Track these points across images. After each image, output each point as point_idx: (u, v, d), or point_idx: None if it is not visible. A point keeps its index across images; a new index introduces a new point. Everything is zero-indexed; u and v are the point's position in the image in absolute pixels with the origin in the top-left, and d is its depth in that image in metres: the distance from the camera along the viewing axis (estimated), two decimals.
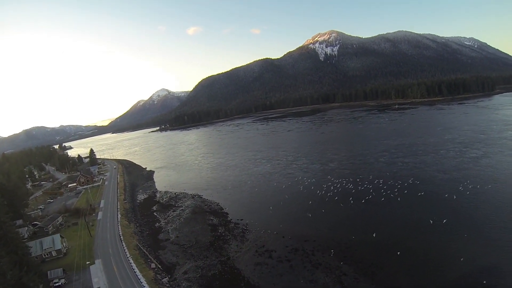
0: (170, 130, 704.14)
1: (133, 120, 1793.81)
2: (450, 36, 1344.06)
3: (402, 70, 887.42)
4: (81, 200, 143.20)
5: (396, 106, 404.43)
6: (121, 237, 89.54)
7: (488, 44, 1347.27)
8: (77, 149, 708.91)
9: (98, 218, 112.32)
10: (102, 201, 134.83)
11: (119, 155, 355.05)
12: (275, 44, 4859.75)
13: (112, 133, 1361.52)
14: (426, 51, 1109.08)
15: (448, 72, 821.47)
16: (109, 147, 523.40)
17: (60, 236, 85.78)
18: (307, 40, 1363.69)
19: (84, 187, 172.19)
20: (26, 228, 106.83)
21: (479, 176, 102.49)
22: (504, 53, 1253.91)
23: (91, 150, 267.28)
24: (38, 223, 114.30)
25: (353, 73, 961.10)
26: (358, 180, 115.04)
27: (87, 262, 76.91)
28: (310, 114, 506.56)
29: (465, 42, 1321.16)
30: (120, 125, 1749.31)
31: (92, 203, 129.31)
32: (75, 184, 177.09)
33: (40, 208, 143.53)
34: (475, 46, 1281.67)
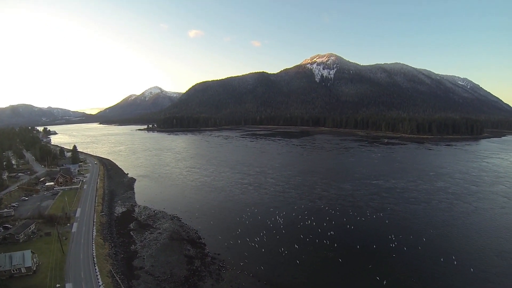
0: (158, 131, 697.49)
1: (122, 114, 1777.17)
2: (444, 74, 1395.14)
3: (395, 102, 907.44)
4: (57, 204, 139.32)
5: (386, 140, 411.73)
6: (95, 259, 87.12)
7: (480, 86, 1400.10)
8: (61, 135, 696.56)
9: (73, 230, 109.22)
10: (79, 210, 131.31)
11: (102, 152, 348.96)
12: (273, 59, 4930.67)
13: (99, 124, 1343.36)
14: (420, 86, 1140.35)
15: (440, 110, 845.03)
16: (94, 140, 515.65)
17: (31, 252, 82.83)
18: (305, 60, 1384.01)
19: (62, 188, 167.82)
20: None
21: (468, 236, 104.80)
22: (495, 96, 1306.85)
23: (74, 147, 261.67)
24: (9, 226, 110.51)
25: (346, 98, 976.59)
26: (344, 226, 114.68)
27: (57, 285, 74.41)
28: (299, 136, 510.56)
29: (459, 82, 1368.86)
30: (109, 117, 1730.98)
31: (67, 211, 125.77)
32: (52, 183, 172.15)
33: (14, 206, 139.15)
34: (468, 87, 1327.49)
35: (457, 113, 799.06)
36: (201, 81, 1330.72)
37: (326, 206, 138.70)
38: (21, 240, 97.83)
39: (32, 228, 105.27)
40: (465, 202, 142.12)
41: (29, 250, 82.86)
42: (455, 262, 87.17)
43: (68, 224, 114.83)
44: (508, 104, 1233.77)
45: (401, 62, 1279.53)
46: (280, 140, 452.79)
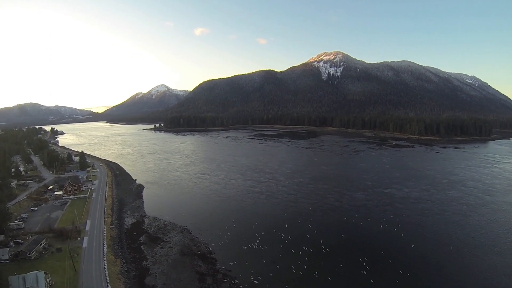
0: (165, 131, 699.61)
1: (129, 112, 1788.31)
2: (452, 72, 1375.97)
3: (402, 101, 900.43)
4: (66, 215, 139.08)
5: (394, 143, 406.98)
6: (107, 278, 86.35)
7: (489, 84, 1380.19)
8: (69, 135, 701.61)
9: (83, 245, 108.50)
10: (88, 222, 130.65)
11: (110, 155, 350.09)
12: (279, 56, 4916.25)
13: (106, 123, 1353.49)
14: (427, 84, 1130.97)
15: (447, 108, 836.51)
16: (101, 141, 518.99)
17: (44, 272, 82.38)
18: (312, 58, 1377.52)
19: (71, 197, 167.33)
20: (8, 248, 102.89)
21: (481, 253, 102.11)
22: (504, 95, 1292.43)
23: (82, 152, 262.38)
24: (20, 241, 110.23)
25: (353, 97, 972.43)
26: (358, 242, 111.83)
27: None
28: (306, 137, 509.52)
29: (467, 80, 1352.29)
30: (115, 115, 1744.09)
31: (77, 224, 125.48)
32: (61, 192, 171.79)
33: (23, 217, 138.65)
34: (476, 85, 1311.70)
35: (465, 112, 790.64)
36: (208, 79, 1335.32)
37: (340, 218, 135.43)
38: (32, 257, 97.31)
39: (43, 244, 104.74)
40: (479, 214, 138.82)
41: (42, 272, 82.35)
42: (466, 283, 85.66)
43: (79, 239, 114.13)
44: None
45: (409, 60, 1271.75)
46: (288, 141, 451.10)
